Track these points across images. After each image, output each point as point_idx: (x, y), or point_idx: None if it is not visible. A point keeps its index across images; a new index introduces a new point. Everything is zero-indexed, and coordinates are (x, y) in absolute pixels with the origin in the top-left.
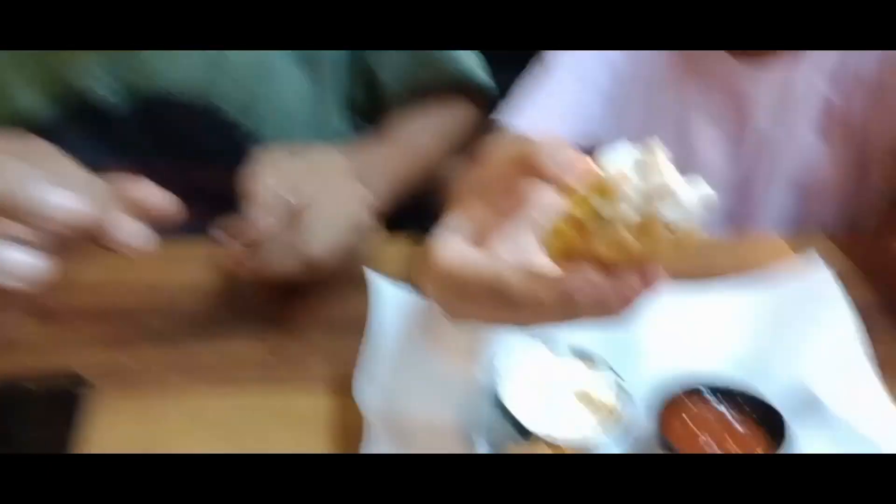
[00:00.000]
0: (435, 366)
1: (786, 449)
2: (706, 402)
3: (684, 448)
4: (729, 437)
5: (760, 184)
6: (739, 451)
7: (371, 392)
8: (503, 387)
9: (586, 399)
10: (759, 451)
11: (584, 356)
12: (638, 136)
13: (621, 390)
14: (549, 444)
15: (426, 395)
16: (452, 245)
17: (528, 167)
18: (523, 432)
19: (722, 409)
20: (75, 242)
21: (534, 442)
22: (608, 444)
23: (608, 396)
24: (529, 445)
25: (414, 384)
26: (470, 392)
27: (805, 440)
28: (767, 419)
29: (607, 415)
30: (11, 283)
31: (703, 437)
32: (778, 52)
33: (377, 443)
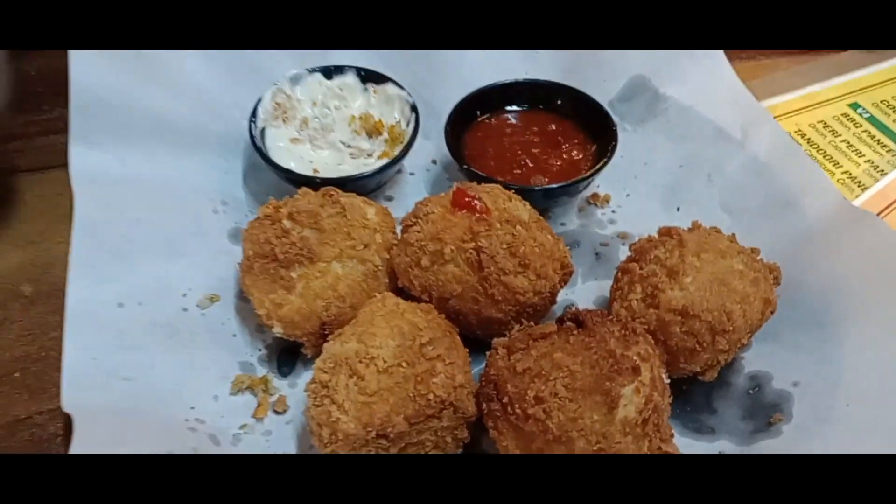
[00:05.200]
0: None
1: (608, 144)
2: (507, 118)
3: (484, 168)
4: (540, 139)
5: None
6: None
7: None
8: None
9: (365, 122)
10: (577, 142)
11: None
12: None
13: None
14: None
15: None
16: None
17: None
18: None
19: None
20: None
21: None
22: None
23: (392, 116)
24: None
25: None
26: None
27: None
28: (591, 117)
29: (391, 136)
30: None
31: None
32: None
33: None
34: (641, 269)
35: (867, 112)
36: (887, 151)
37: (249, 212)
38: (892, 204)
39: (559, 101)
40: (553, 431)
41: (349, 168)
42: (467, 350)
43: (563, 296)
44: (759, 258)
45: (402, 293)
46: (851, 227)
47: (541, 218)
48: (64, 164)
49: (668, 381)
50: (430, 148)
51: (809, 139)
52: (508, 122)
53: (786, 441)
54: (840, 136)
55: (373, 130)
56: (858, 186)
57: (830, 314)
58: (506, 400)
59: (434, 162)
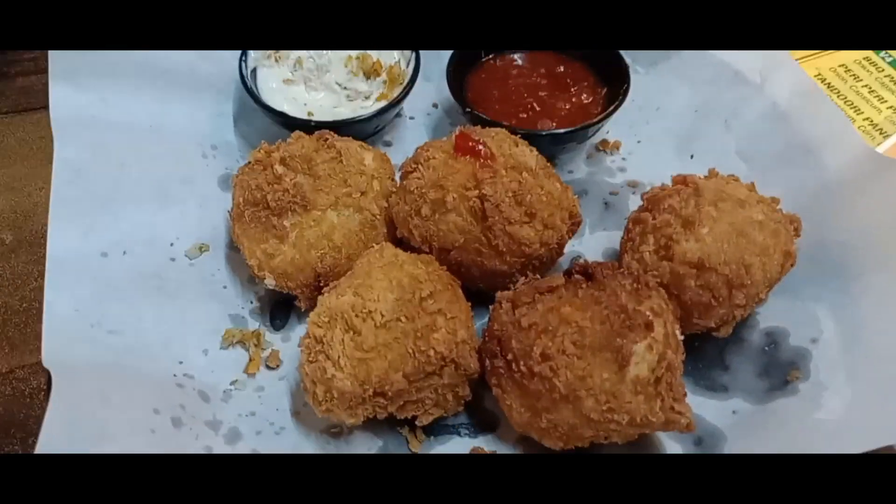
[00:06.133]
0: None
1: (619, 87)
2: (513, 59)
3: (488, 111)
4: (547, 81)
5: None
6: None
7: None
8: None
9: (363, 62)
10: (587, 84)
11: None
12: None
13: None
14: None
15: None
16: None
17: None
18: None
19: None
20: None
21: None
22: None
23: (391, 56)
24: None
25: None
26: None
27: None
28: (601, 59)
29: (389, 77)
30: None
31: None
32: None
33: None
34: (654, 219)
35: (889, 56)
36: None
37: (241, 157)
38: None
39: None
40: (560, 390)
41: (345, 111)
42: (469, 304)
43: (569, 247)
44: (778, 208)
45: (401, 243)
46: (876, 176)
47: (548, 164)
48: (46, 106)
49: (682, 337)
50: (432, 90)
51: (830, 84)
52: (514, 63)
53: (803, 399)
54: (861, 80)
55: (370, 71)
56: (880, 134)
57: (851, 267)
58: (510, 356)
59: (435, 105)
